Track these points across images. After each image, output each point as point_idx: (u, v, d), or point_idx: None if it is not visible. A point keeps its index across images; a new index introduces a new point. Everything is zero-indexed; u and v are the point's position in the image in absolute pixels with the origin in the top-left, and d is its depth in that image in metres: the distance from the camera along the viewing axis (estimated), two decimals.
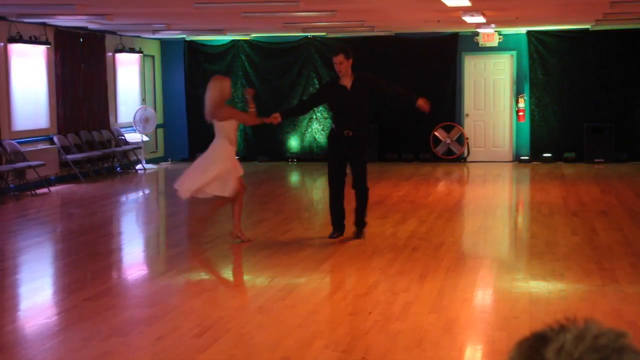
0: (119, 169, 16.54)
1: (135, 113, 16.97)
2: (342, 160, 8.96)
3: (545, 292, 6.92)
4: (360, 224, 9.10)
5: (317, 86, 17.61)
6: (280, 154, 18.06)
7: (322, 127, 18.05)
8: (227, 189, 8.67)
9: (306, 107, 10.87)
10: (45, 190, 13.56)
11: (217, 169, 8.61)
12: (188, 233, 9.66)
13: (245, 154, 18.15)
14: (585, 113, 16.94)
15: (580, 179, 14.53)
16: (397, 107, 10.72)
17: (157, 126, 17.92)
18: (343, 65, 8.87)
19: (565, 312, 6.11)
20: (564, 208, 11.26)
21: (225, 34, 17.52)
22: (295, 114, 10.15)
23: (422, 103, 8.92)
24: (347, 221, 9.13)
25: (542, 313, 6.14)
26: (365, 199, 9.07)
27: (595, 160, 16.74)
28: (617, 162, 16.64)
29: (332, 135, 9.12)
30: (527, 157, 17.34)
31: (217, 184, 8.66)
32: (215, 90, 8.70)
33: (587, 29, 16.70)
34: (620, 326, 1.03)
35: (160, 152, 18.70)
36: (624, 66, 16.76)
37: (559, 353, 1.00)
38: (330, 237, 9.07)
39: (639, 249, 8.47)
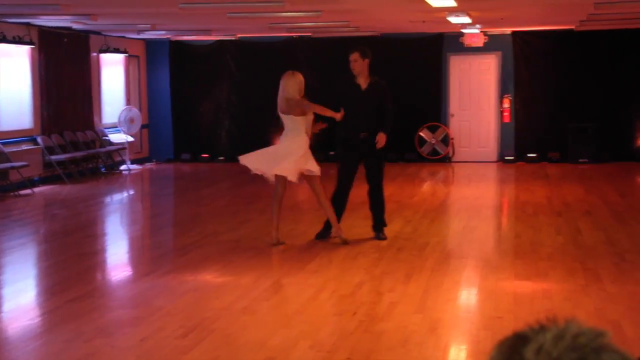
0: (103, 169, 16.48)
1: (120, 113, 16.92)
2: (357, 164, 8.94)
3: (530, 291, 6.94)
4: (382, 225, 9.10)
5: (304, 87, 17.59)
6: None
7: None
8: (291, 173, 8.60)
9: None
10: (28, 191, 13.48)
11: (295, 156, 8.57)
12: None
13: (231, 154, 18.15)
14: (570, 113, 17.02)
15: (565, 179, 14.59)
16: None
17: (142, 127, 17.86)
18: (357, 64, 8.81)
19: (549, 311, 6.13)
20: (549, 208, 11.31)
21: (210, 35, 17.49)
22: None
23: (378, 138, 8.79)
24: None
25: (526, 313, 6.16)
26: (384, 200, 9.12)
27: (580, 160, 16.83)
28: (601, 162, 16.73)
29: (346, 140, 8.88)
30: (511, 157, 17.40)
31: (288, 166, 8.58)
32: (295, 85, 8.61)
33: (571, 30, 16.77)
34: (603, 325, 1.04)
35: (145, 153, 18.64)
36: (608, 67, 16.84)
37: (538, 353, 1.00)
38: (322, 237, 9.06)
39: (623, 248, 8.52)
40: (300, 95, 8.67)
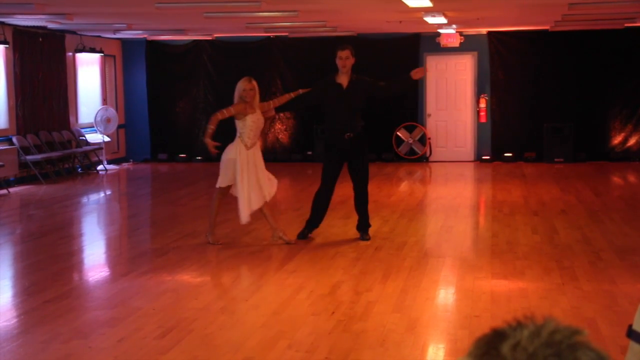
0: (79, 169, 16.39)
1: (97, 113, 16.84)
2: (340, 166, 8.87)
3: (506, 290, 6.99)
4: (367, 226, 9.07)
5: (281, 87, 17.60)
6: None
7: (285, 127, 18.07)
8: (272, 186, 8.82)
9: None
10: (4, 191, 13.38)
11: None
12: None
13: (208, 154, 18.07)
14: (545, 113, 17.15)
15: (541, 178, 14.69)
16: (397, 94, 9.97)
17: (119, 126, 17.78)
18: (349, 61, 8.73)
19: (526, 310, 6.18)
20: (525, 207, 11.38)
21: (187, 35, 17.44)
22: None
23: (416, 73, 8.82)
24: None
25: (503, 311, 6.20)
26: (367, 201, 9.04)
27: (555, 160, 16.95)
28: (576, 161, 16.87)
29: (331, 139, 8.87)
30: (488, 157, 17.50)
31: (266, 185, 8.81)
32: (236, 91, 8.96)
33: (546, 30, 16.90)
34: (578, 323, 1.06)
35: (122, 153, 18.56)
36: (583, 67, 16.99)
37: (514, 349, 1.01)
38: (303, 237, 9.04)
39: (598, 247, 8.59)
40: (244, 100, 8.91)
